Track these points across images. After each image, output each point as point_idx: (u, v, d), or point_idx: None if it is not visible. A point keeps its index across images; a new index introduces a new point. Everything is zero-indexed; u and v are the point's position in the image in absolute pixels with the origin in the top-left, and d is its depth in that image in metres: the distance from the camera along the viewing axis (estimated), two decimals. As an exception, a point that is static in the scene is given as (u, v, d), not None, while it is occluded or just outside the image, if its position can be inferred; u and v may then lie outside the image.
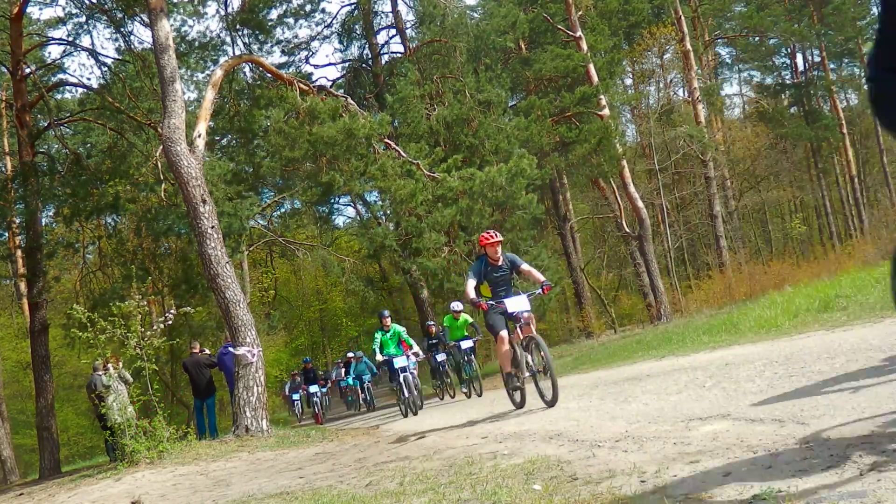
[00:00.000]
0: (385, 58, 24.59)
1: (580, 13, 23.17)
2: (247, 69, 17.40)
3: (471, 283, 7.23)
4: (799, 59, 36.72)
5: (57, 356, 22.94)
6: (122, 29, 17.04)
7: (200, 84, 20.48)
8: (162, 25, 11.66)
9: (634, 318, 30.01)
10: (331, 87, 19.97)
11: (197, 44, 18.09)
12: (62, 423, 24.90)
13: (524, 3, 22.55)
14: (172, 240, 20.46)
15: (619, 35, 26.31)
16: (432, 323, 15.58)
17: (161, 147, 13.31)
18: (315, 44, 31.17)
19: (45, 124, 18.90)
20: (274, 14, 19.70)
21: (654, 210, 29.53)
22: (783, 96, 37.49)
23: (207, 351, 14.70)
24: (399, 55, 23.86)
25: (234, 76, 16.70)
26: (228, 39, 17.59)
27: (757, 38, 34.98)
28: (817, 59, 35.84)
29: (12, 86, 17.56)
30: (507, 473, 3.76)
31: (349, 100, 15.34)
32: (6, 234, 19.83)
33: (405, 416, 11.49)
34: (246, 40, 17.56)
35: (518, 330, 7.12)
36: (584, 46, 22.34)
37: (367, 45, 24.71)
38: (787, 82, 37.34)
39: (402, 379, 11.45)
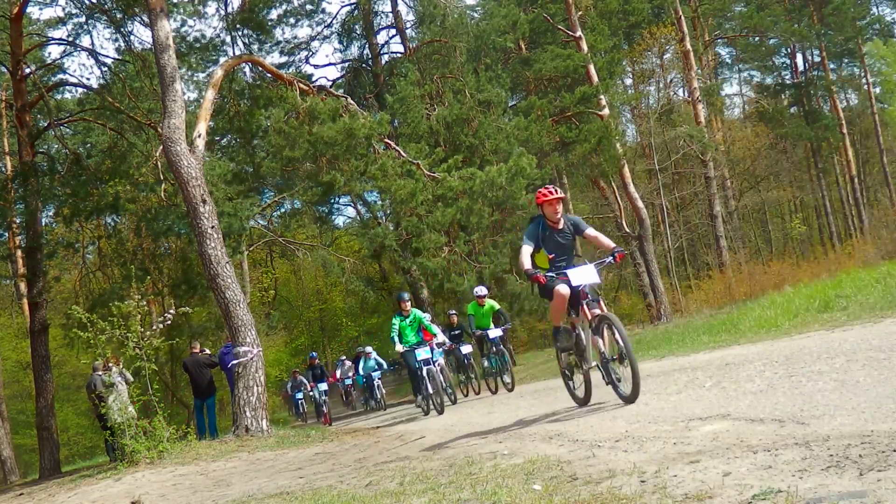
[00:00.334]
0: (385, 58, 24.60)
1: (580, 13, 23.16)
2: (247, 69, 17.40)
3: (526, 251, 6.00)
4: (799, 59, 36.73)
5: (57, 356, 22.94)
6: (122, 29, 17.04)
7: (200, 84, 20.49)
8: (162, 25, 11.66)
9: (634, 318, 29.98)
10: (331, 87, 19.97)
11: (197, 44, 18.09)
12: (62, 423, 24.91)
13: (524, 3, 22.54)
14: (172, 240, 20.46)
15: (619, 35, 26.30)
16: (454, 312, 14.48)
17: (161, 147, 13.31)
18: (315, 44, 31.14)
19: (45, 124, 18.89)
20: (274, 14, 19.72)
21: (654, 210, 29.53)
22: (783, 96, 37.48)
23: (208, 351, 14.70)
24: (399, 55, 23.86)
25: (234, 76, 16.69)
26: (228, 39, 17.59)
27: (757, 38, 34.98)
28: (817, 59, 35.83)
29: (12, 86, 17.56)
30: (507, 473, 3.76)
31: (349, 100, 15.34)
32: (6, 234, 19.82)
33: (426, 413, 10.42)
34: (246, 40, 17.56)
35: (584, 308, 5.85)
36: (584, 46, 22.34)
37: (367, 45, 24.71)
38: (787, 82, 37.33)
39: (424, 373, 10.12)
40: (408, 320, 10.66)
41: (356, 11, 24.39)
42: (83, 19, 17.77)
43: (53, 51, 35.70)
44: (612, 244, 6.09)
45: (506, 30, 20.15)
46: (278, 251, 31.34)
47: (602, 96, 22.34)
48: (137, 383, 9.57)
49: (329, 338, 42.59)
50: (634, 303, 31.50)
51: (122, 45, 17.65)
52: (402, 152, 15.47)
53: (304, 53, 24.31)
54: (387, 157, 15.09)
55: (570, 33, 22.73)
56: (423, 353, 10.23)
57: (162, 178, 16.88)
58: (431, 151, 16.74)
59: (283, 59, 23.18)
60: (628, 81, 34.20)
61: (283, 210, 28.09)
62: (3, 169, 22.30)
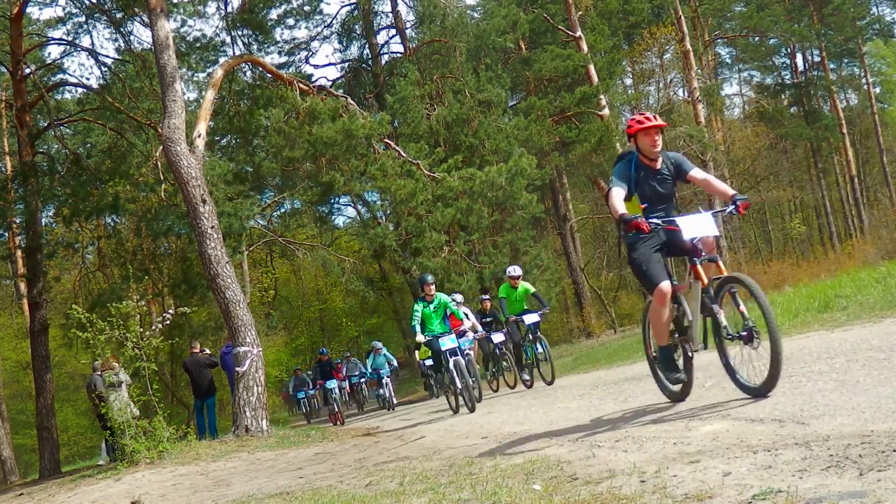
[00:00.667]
0: (385, 58, 24.62)
1: (580, 13, 23.18)
2: (247, 69, 17.41)
3: (618, 193, 4.60)
4: (799, 59, 36.73)
5: (57, 356, 22.94)
6: (121, 29, 17.04)
7: (200, 84, 20.50)
8: (162, 25, 11.66)
9: (634, 318, 29.99)
10: (331, 87, 19.99)
11: (197, 44, 18.09)
12: (62, 423, 24.91)
13: (524, 3, 22.55)
14: (172, 240, 20.46)
15: (619, 35, 26.32)
16: (487, 297, 13.29)
17: (161, 147, 13.31)
18: (315, 44, 31.12)
19: (45, 124, 18.89)
20: (273, 14, 19.73)
21: (654, 210, 29.49)
22: (783, 96, 37.48)
23: (208, 351, 14.70)
24: (399, 55, 23.88)
25: (234, 76, 16.69)
26: (228, 39, 17.59)
27: (757, 38, 34.97)
28: (817, 59, 35.84)
29: (12, 86, 17.55)
30: (507, 473, 3.76)
31: (349, 100, 15.36)
32: (6, 234, 19.81)
33: (455, 411, 9.24)
34: (246, 40, 17.56)
35: (698, 269, 4.53)
36: (584, 46, 22.35)
37: (367, 45, 24.74)
38: (787, 82, 37.33)
39: (451, 365, 8.93)
40: (432, 306, 9.37)
41: (356, 11, 24.41)
42: (83, 19, 17.77)
43: (53, 51, 35.72)
44: (729, 190, 4.67)
45: (506, 30, 20.16)
46: (278, 251, 31.34)
47: (602, 96, 22.36)
48: (137, 383, 9.57)
49: (329, 338, 42.57)
50: (634, 303, 31.51)
51: (122, 45, 17.66)
52: (402, 152, 15.48)
53: (303, 53, 24.39)
54: (387, 157, 15.10)
55: (570, 33, 22.74)
56: (448, 343, 9.00)
57: (162, 178, 16.88)
58: (431, 151, 16.75)
59: (283, 59, 23.23)
60: (628, 81, 34.23)
61: (283, 210, 28.12)
62: (3, 169, 22.30)
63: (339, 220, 37.36)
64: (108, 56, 19.37)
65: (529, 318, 10.49)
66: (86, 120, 20.02)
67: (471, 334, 10.35)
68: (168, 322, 10.05)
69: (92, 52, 18.16)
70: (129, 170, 17.83)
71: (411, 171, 15.23)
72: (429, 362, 15.50)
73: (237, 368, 10.73)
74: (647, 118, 4.70)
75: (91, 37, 36.21)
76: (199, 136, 11.84)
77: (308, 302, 41.62)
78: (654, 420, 4.64)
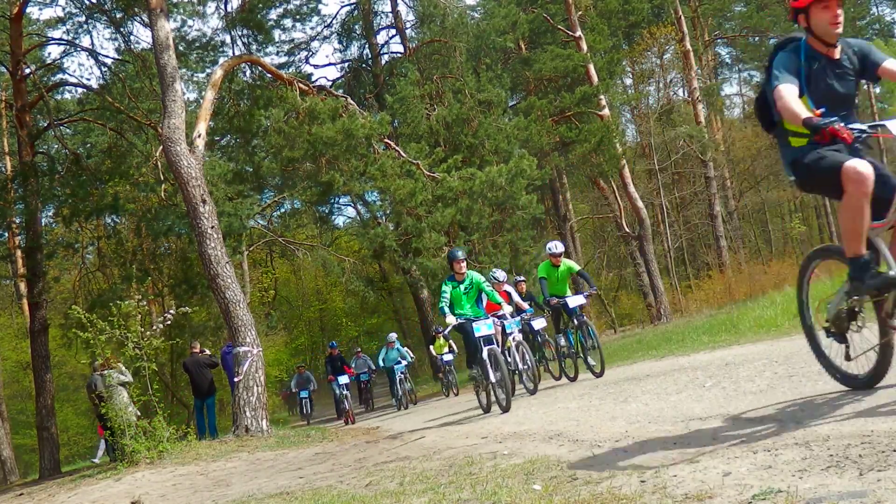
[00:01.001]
0: (385, 58, 24.64)
1: (580, 13, 23.18)
2: (246, 69, 17.42)
3: (790, 91, 3.34)
4: (799, 58, 36.71)
5: (57, 356, 22.93)
6: (121, 29, 17.05)
7: (200, 84, 20.51)
8: (162, 25, 11.67)
9: (634, 318, 30.01)
10: (331, 87, 20.01)
11: (197, 44, 18.10)
12: (62, 423, 24.90)
13: (524, 3, 22.56)
14: (172, 240, 20.46)
15: (618, 35, 26.33)
16: (523, 279, 12.01)
17: (161, 147, 13.32)
18: (315, 44, 31.17)
19: (45, 124, 18.90)
20: (273, 14, 19.73)
21: (654, 210, 29.53)
22: (783, 96, 37.47)
23: (208, 352, 14.70)
24: (399, 55, 23.89)
25: (234, 76, 16.70)
26: (228, 39, 17.62)
27: (757, 38, 34.97)
28: (817, 59, 35.84)
29: (12, 86, 17.56)
30: (507, 473, 3.76)
31: (349, 100, 15.37)
32: (6, 234, 19.83)
33: (487, 410, 7.90)
34: (245, 40, 17.57)
35: None
36: (584, 46, 22.36)
37: (367, 45, 24.75)
38: (787, 82, 37.33)
39: (485, 354, 7.52)
40: (462, 286, 7.99)
41: (356, 11, 24.42)
42: (83, 19, 17.79)
43: (53, 51, 35.73)
44: None
45: (506, 30, 20.17)
46: (278, 251, 31.35)
47: (602, 96, 22.37)
48: (137, 384, 9.58)
49: (329, 338, 42.57)
50: (634, 303, 31.54)
51: (122, 45, 17.68)
52: (401, 152, 15.48)
53: (303, 53, 24.41)
54: (386, 157, 15.10)
55: (570, 33, 22.75)
56: (483, 328, 7.60)
57: (162, 178, 16.89)
58: (431, 151, 16.75)
59: (283, 59, 23.24)
60: (628, 81, 34.22)
61: (283, 210, 28.13)
62: (3, 169, 22.30)
63: (339, 220, 37.41)
64: (108, 56, 19.42)
65: (574, 301, 9.20)
66: (86, 120, 20.03)
67: (515, 316, 8.99)
68: (169, 322, 10.06)
69: (92, 52, 18.19)
70: (129, 170, 17.85)
71: (411, 171, 15.24)
72: (446, 357, 15.16)
73: (236, 372, 10.73)
74: None
75: (91, 37, 36.27)
76: (199, 136, 11.85)
77: (308, 302, 41.63)
78: (654, 420, 4.64)
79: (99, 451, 13.48)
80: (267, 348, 26.25)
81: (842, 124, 3.11)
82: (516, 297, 9.75)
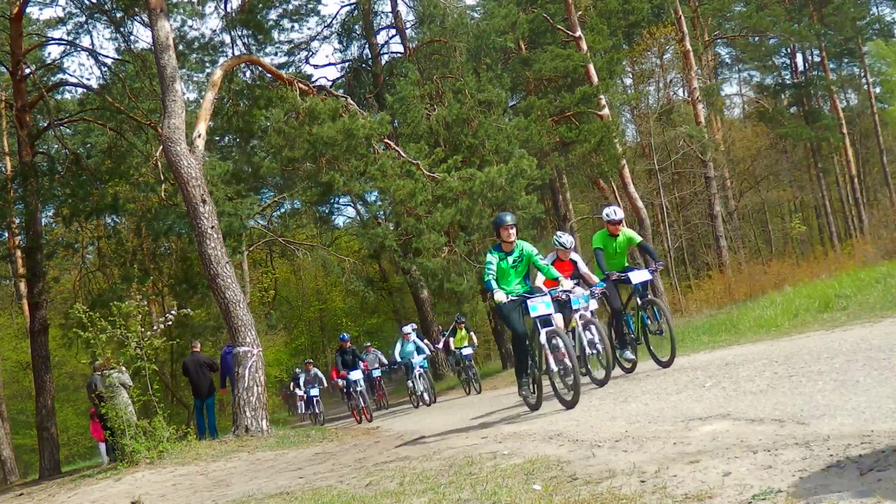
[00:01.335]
0: (385, 58, 24.63)
1: (580, 13, 23.16)
2: (246, 69, 17.42)
3: None
4: (799, 59, 36.74)
5: (57, 356, 22.94)
6: (122, 29, 17.05)
7: (200, 84, 20.50)
8: (162, 25, 11.67)
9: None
10: (331, 87, 20.00)
11: (197, 44, 18.10)
12: (62, 423, 24.90)
13: (524, 3, 22.55)
14: (172, 240, 20.46)
15: (618, 35, 26.31)
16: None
17: (161, 147, 13.32)
18: (315, 44, 31.17)
19: (45, 124, 18.90)
20: (273, 14, 19.73)
21: (654, 210, 29.52)
22: (783, 96, 37.49)
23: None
24: (399, 55, 23.89)
25: (234, 76, 16.70)
26: (228, 39, 17.61)
27: (757, 38, 34.97)
28: (817, 59, 35.84)
29: (12, 86, 17.56)
30: (507, 473, 3.75)
31: (349, 100, 15.36)
32: (6, 234, 19.84)
33: (535, 407, 6.76)
34: (245, 40, 17.57)
35: None
36: (584, 46, 22.34)
37: (367, 45, 24.75)
38: (787, 82, 37.35)
39: (543, 338, 6.34)
40: (510, 258, 6.72)
41: (356, 11, 24.42)
42: (83, 19, 17.78)
43: (53, 51, 35.76)
44: None
45: (506, 30, 20.16)
46: (278, 251, 31.34)
47: (602, 96, 22.35)
48: (137, 384, 9.58)
49: (329, 338, 42.60)
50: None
51: (122, 45, 17.67)
52: (401, 152, 15.48)
53: (303, 53, 24.39)
54: (386, 157, 15.10)
55: (570, 33, 22.73)
56: (541, 307, 6.38)
57: (162, 178, 16.89)
58: (431, 151, 16.74)
59: (283, 59, 23.23)
60: (628, 81, 34.19)
61: (283, 210, 28.14)
62: (3, 169, 22.30)
63: (339, 220, 37.42)
64: (108, 56, 19.43)
65: (637, 277, 7.68)
66: (86, 120, 20.03)
67: (579, 290, 7.40)
68: (170, 322, 10.06)
69: (92, 52, 18.18)
70: (129, 170, 17.85)
71: (411, 171, 15.23)
72: (466, 351, 14.73)
73: (236, 372, 10.72)
74: None
75: (91, 37, 36.30)
76: (199, 136, 11.85)
77: (308, 302, 41.65)
78: (653, 420, 4.64)
79: (102, 454, 13.46)
80: (267, 348, 26.24)
81: None
82: (583, 268, 8.17)
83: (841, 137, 33.53)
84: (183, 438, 9.20)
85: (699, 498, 2.54)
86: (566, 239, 8.13)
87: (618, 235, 8.06)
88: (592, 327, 7.27)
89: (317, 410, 17.22)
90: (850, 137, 34.77)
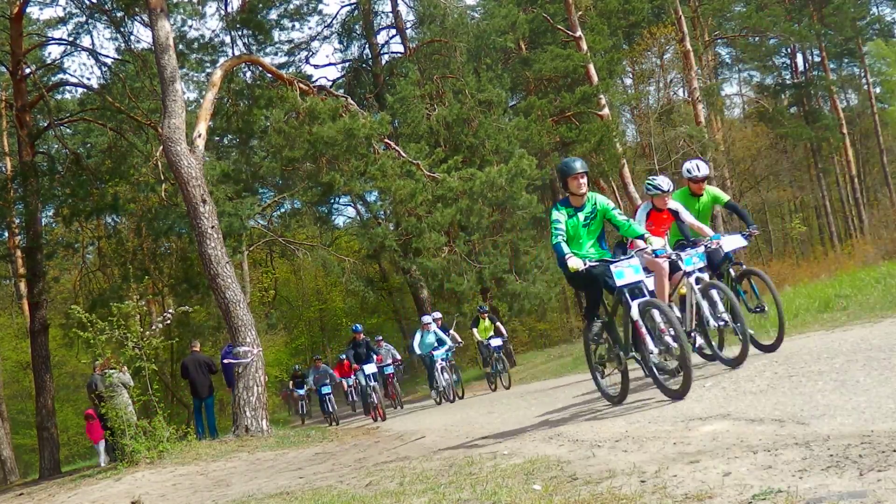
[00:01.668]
0: (385, 58, 24.62)
1: (580, 13, 23.16)
2: (247, 69, 17.42)
3: None
4: (799, 59, 36.74)
5: (57, 356, 22.94)
6: (122, 29, 17.05)
7: (200, 84, 20.49)
8: (162, 25, 11.67)
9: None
10: (331, 87, 19.99)
11: (197, 44, 18.09)
12: (62, 423, 24.89)
13: (524, 3, 22.55)
14: (172, 240, 20.46)
15: (618, 35, 26.30)
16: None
17: (161, 147, 13.32)
18: (315, 44, 31.14)
19: (45, 124, 18.90)
20: (273, 14, 19.73)
21: (654, 210, 29.50)
22: (783, 96, 37.49)
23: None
24: (399, 55, 23.88)
25: (234, 76, 16.70)
26: (228, 40, 17.61)
27: (757, 38, 34.96)
28: (817, 59, 35.85)
29: (12, 86, 17.56)
30: (507, 473, 3.75)
31: (349, 100, 15.36)
32: (6, 234, 19.84)
33: (619, 401, 5.69)
34: (246, 40, 17.57)
35: None
36: (584, 46, 22.34)
37: (367, 45, 24.73)
38: (787, 82, 37.34)
39: (634, 313, 5.21)
40: (581, 214, 5.58)
41: (356, 11, 24.40)
42: (83, 19, 17.79)
43: (53, 51, 35.69)
44: None
45: (506, 30, 20.17)
46: (278, 251, 31.33)
47: (602, 96, 22.35)
48: (137, 384, 9.58)
49: (329, 338, 42.61)
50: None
51: (122, 45, 17.67)
52: (402, 152, 15.48)
53: (304, 53, 24.37)
54: (387, 157, 15.10)
55: (570, 33, 22.73)
56: (629, 273, 5.26)
57: (162, 178, 16.89)
58: (431, 151, 16.75)
59: (283, 59, 23.21)
60: (628, 81, 34.19)
61: (283, 210, 28.11)
62: (3, 169, 22.29)
63: (339, 220, 37.39)
64: (108, 56, 19.35)
65: (729, 243, 6.36)
66: (86, 120, 20.03)
67: (690, 251, 5.87)
68: (169, 322, 10.06)
69: (92, 52, 18.18)
70: (129, 170, 17.85)
71: (411, 171, 15.23)
72: (496, 342, 13.45)
73: (236, 371, 10.71)
74: None
75: (91, 37, 36.22)
76: (199, 136, 11.85)
77: (308, 302, 41.64)
78: (653, 420, 4.64)
79: (101, 455, 13.43)
80: (267, 348, 26.22)
81: None
82: (688, 217, 6.33)
83: (841, 137, 33.53)
84: (183, 438, 9.20)
85: (699, 498, 2.54)
86: (663, 181, 6.32)
87: (701, 195, 6.72)
88: (714, 292, 5.71)
89: (330, 409, 15.84)
90: (851, 137, 34.76)
